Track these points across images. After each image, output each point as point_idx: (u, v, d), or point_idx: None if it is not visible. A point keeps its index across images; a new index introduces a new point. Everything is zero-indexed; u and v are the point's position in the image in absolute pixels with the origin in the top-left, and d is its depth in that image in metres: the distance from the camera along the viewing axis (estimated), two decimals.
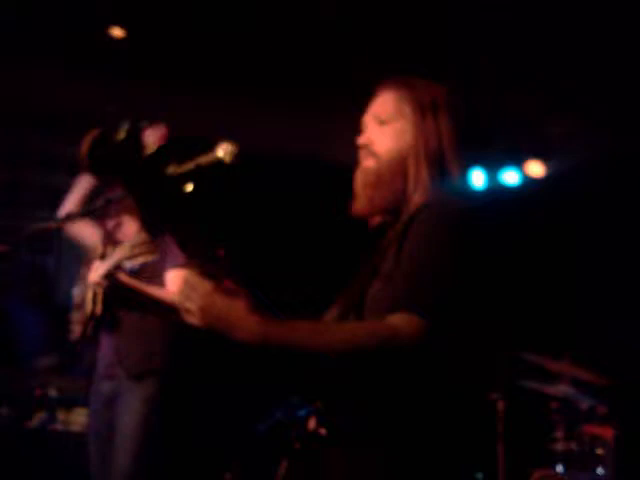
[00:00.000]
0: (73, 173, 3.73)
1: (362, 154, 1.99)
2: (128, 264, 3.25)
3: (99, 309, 3.45)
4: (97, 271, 3.39)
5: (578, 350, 4.26)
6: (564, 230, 5.52)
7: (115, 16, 4.81)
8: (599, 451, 4.03)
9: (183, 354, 3.70)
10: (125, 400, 3.52)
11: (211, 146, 2.34)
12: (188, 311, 1.70)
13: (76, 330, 3.54)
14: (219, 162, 2.33)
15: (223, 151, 2.33)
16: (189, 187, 2.34)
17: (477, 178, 5.84)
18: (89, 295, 3.47)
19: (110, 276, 3.36)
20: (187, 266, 1.77)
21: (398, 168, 1.92)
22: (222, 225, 5.10)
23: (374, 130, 1.98)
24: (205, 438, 5.06)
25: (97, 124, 2.97)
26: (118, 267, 3.32)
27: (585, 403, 4.17)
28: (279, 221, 5.48)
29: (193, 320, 1.70)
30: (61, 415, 4.68)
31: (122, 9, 4.71)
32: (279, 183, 5.53)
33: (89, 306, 3.47)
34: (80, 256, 3.77)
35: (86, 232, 3.74)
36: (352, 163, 2.01)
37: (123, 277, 3.39)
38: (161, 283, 3.55)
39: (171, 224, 3.72)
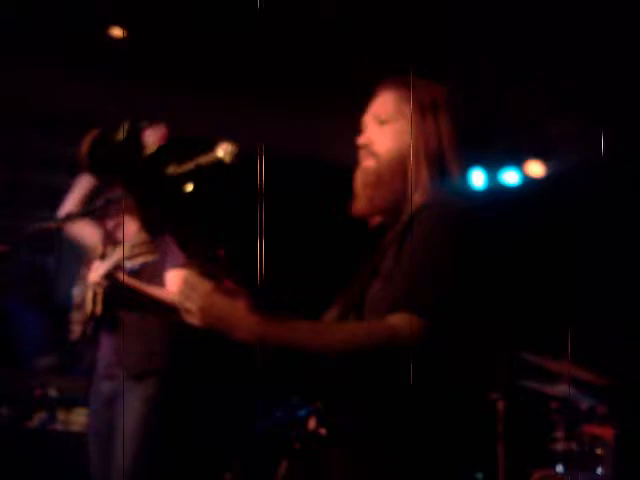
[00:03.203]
0: (73, 173, 3.73)
1: (362, 154, 1.99)
2: (128, 264, 3.25)
3: (99, 309, 3.45)
4: (97, 271, 3.39)
5: (578, 350, 4.25)
6: (564, 230, 5.52)
7: (115, 16, 4.81)
8: (599, 451, 4.02)
9: (183, 354, 3.70)
10: (125, 400, 3.52)
11: (211, 146, 2.34)
12: (188, 311, 1.70)
13: (76, 330, 3.53)
14: (219, 162, 2.32)
15: (223, 151, 2.33)
16: (189, 187, 2.33)
17: (477, 178, 5.84)
18: (89, 295, 3.46)
19: (110, 276, 3.36)
20: (187, 266, 1.77)
21: (398, 168, 1.93)
22: (222, 225, 5.08)
23: (374, 130, 1.98)
24: (205, 438, 5.06)
25: (97, 124, 2.97)
26: (118, 267, 3.32)
27: (585, 403, 4.17)
28: (279, 221, 5.47)
29: (193, 320, 1.70)
30: (61, 415, 4.68)
31: (122, 9, 4.71)
32: (279, 183, 5.51)
33: (89, 306, 3.47)
34: (80, 256, 3.77)
35: (86, 232, 3.74)
36: (352, 163, 2.01)
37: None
38: (161, 283, 3.55)
39: (171, 224, 3.72)
